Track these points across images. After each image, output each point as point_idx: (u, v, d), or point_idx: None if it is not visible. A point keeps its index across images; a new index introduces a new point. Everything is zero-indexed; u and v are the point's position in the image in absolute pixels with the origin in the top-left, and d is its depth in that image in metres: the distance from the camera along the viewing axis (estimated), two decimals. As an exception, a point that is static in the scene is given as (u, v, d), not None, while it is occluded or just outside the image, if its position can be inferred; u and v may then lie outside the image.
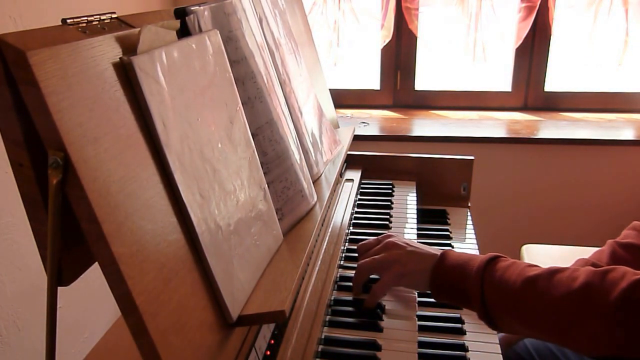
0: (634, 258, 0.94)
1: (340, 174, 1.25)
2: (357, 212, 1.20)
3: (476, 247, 1.15)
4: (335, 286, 0.93)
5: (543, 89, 2.16)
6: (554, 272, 0.73)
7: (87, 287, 0.93)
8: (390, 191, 1.30)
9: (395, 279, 0.86)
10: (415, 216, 1.19)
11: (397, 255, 0.86)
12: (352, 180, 1.27)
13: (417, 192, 1.30)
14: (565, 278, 0.71)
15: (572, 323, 0.69)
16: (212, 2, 0.74)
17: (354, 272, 0.98)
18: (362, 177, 1.33)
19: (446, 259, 0.83)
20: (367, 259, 0.89)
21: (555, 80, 2.25)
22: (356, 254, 1.02)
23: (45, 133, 0.44)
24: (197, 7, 0.70)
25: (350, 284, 0.94)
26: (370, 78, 2.36)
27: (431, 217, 1.26)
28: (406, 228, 1.14)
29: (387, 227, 1.13)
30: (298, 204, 0.84)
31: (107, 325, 0.81)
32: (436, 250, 0.87)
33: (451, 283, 0.81)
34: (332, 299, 0.89)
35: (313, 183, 0.93)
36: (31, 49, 0.43)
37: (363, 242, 0.97)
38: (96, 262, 0.47)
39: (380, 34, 2.09)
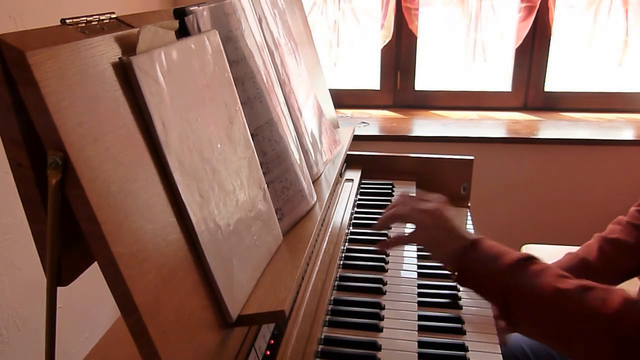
0: (620, 253, 0.97)
1: (340, 174, 1.25)
2: (357, 212, 1.20)
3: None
4: (335, 286, 0.93)
5: (543, 89, 2.16)
6: (586, 288, 0.70)
7: (87, 287, 0.92)
8: (390, 191, 1.30)
9: (423, 242, 0.85)
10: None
11: (434, 226, 0.83)
12: (352, 180, 1.27)
13: (417, 192, 1.30)
14: (597, 299, 0.68)
15: (590, 346, 0.67)
16: (212, 2, 0.74)
17: (354, 272, 0.98)
18: (362, 177, 1.33)
19: (477, 249, 0.79)
20: (411, 208, 0.86)
21: (555, 80, 2.24)
22: (356, 254, 1.03)
23: (44, 133, 0.44)
24: (196, 7, 0.70)
25: (350, 283, 0.94)
26: (370, 78, 2.36)
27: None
28: (406, 228, 1.14)
29: (386, 227, 1.13)
30: (298, 204, 0.84)
31: (107, 325, 0.81)
32: (470, 234, 0.83)
33: (478, 273, 0.78)
34: (332, 298, 0.89)
35: (313, 183, 0.93)
36: (31, 49, 0.43)
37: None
38: (96, 262, 0.47)
39: (380, 34, 2.09)
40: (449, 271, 0.87)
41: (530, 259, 0.76)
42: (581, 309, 0.68)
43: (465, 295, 0.95)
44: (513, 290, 0.74)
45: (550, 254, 1.65)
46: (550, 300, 0.70)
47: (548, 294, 0.71)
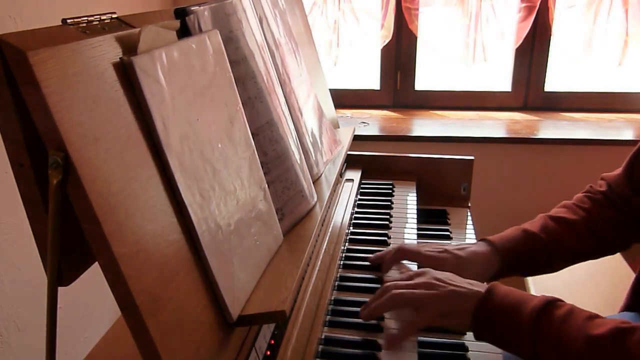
0: (564, 231, 0.95)
1: (340, 174, 1.25)
2: (357, 212, 1.20)
3: (476, 247, 1.14)
4: (335, 286, 0.93)
5: (543, 89, 2.16)
6: (621, 332, 0.63)
7: (87, 287, 0.93)
8: (390, 191, 1.30)
9: (432, 320, 0.77)
10: (415, 216, 1.19)
11: (437, 295, 0.76)
12: (352, 180, 1.27)
13: (417, 192, 1.30)
14: (635, 343, 0.62)
15: None
16: (212, 2, 0.74)
17: (354, 272, 0.98)
18: (362, 177, 1.33)
19: (491, 300, 0.72)
20: (404, 290, 0.78)
21: (555, 80, 2.25)
22: (356, 254, 1.03)
23: (45, 133, 0.44)
24: (197, 7, 0.70)
25: (350, 284, 0.94)
26: (370, 78, 2.36)
27: (431, 217, 1.26)
28: (406, 228, 1.14)
29: (387, 227, 1.13)
30: (298, 204, 0.84)
31: (107, 325, 0.81)
32: (479, 286, 0.76)
33: (498, 328, 0.71)
34: (332, 299, 0.89)
35: (313, 183, 0.93)
36: (32, 49, 0.43)
37: (377, 254, 0.96)
38: (96, 262, 0.47)
39: (380, 34, 2.09)
40: (461, 331, 0.82)
41: (553, 303, 0.70)
42: (620, 357, 0.62)
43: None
44: (542, 342, 0.67)
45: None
46: (584, 351, 0.64)
47: (581, 344, 0.64)
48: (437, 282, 0.77)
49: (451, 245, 0.95)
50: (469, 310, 0.73)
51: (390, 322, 0.84)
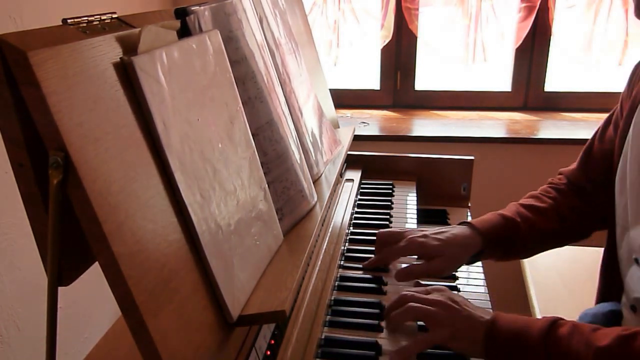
0: (536, 217, 1.01)
1: (340, 174, 1.25)
2: (357, 212, 1.20)
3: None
4: (335, 286, 0.93)
5: (543, 89, 2.16)
6: (625, 339, 0.67)
7: (87, 287, 0.93)
8: (390, 191, 1.30)
9: (443, 339, 0.77)
10: (415, 216, 1.19)
11: (453, 317, 0.77)
12: (352, 180, 1.27)
13: (417, 192, 1.30)
14: None
15: None
16: (213, 2, 0.74)
17: (354, 272, 0.98)
18: (362, 177, 1.33)
19: (498, 327, 0.74)
20: (419, 305, 0.79)
21: (555, 80, 2.24)
22: (356, 254, 1.03)
23: (45, 133, 0.44)
24: (198, 7, 0.70)
25: (350, 284, 0.94)
26: (370, 78, 2.36)
27: (431, 217, 1.26)
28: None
29: (387, 227, 1.13)
30: (298, 204, 0.84)
31: (107, 325, 0.81)
32: (484, 312, 0.78)
33: (509, 351, 0.73)
34: (332, 299, 0.89)
35: (313, 183, 0.93)
36: (32, 49, 0.43)
37: (384, 230, 0.99)
38: (96, 262, 0.47)
39: (380, 34, 2.09)
40: (467, 355, 0.83)
41: (556, 322, 0.73)
42: None
43: (466, 295, 0.95)
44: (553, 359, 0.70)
45: (549, 254, 1.65)
46: None
47: (592, 357, 0.67)
48: (453, 304, 0.79)
49: (430, 229, 0.98)
50: (478, 339, 0.75)
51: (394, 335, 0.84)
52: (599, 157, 1.02)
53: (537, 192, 1.09)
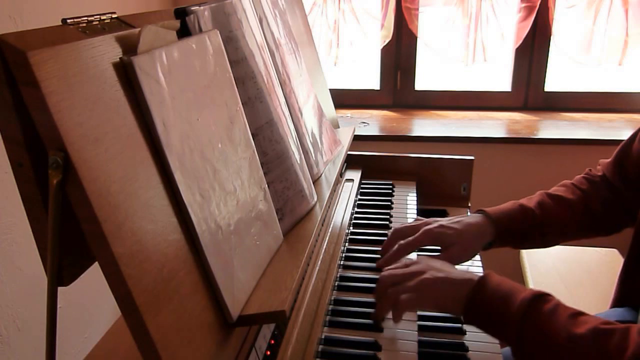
0: (560, 208, 1.01)
1: (340, 174, 1.25)
2: (357, 212, 1.20)
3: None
4: (335, 286, 0.93)
5: (543, 89, 2.16)
6: (601, 334, 0.66)
7: (87, 287, 0.93)
8: (390, 191, 1.30)
9: (431, 304, 0.80)
10: (415, 216, 1.19)
11: (434, 280, 0.79)
12: (352, 180, 1.27)
13: (417, 192, 1.30)
14: (613, 345, 0.64)
15: None
16: (212, 2, 0.74)
17: (354, 272, 0.98)
18: (362, 177, 1.33)
19: (484, 288, 0.75)
20: (403, 296, 0.79)
21: (555, 80, 2.25)
22: (356, 254, 1.03)
23: (45, 133, 0.44)
24: (197, 7, 0.70)
25: (350, 284, 0.94)
26: (370, 78, 2.36)
27: (431, 217, 1.25)
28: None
29: (387, 227, 1.13)
30: (298, 204, 0.84)
31: (107, 325, 0.81)
32: (471, 274, 0.79)
33: (487, 316, 0.74)
34: (332, 299, 0.89)
35: (313, 183, 0.93)
36: (32, 49, 0.43)
37: (398, 227, 0.98)
38: (96, 262, 0.47)
39: (380, 34, 2.09)
40: (455, 315, 0.85)
41: (541, 297, 0.72)
42: (597, 358, 0.65)
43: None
44: (526, 334, 0.70)
45: (550, 254, 1.66)
46: (564, 347, 0.67)
47: (562, 340, 0.67)
48: (432, 269, 0.80)
49: (444, 219, 0.98)
50: (460, 297, 0.76)
51: (391, 322, 0.84)
52: (636, 157, 1.00)
53: (570, 181, 1.09)
